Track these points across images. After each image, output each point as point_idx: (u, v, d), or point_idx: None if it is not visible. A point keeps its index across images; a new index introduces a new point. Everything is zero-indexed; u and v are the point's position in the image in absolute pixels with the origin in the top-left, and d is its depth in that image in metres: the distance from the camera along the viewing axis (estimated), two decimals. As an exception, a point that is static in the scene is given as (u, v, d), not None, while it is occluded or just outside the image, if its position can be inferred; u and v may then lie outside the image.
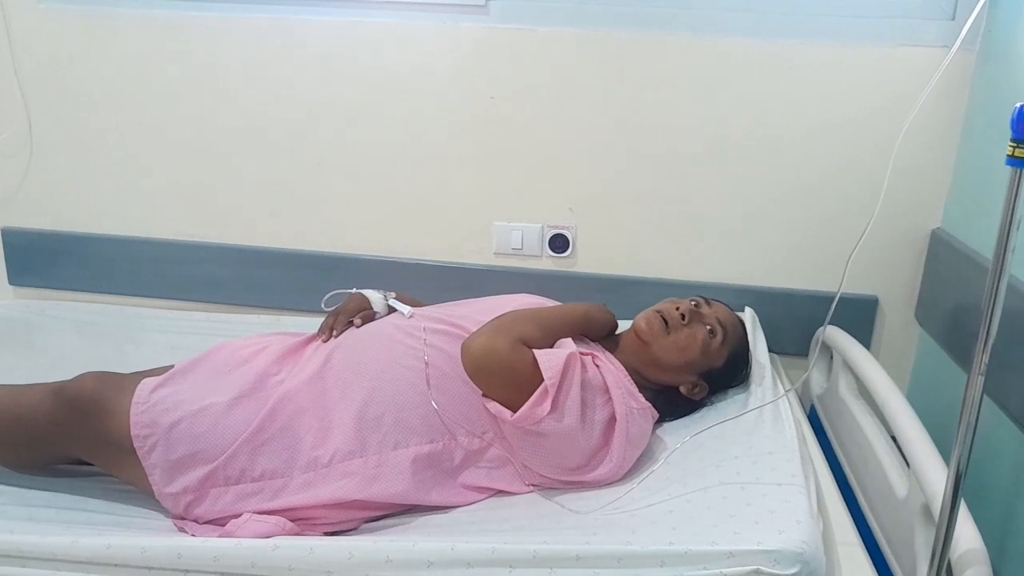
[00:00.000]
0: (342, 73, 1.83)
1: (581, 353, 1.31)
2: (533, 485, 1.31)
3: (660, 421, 1.42)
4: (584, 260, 1.88)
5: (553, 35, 1.74)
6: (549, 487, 1.30)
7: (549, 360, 1.25)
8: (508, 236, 1.88)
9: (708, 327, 1.41)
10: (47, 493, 1.30)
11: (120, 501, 1.31)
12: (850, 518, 1.20)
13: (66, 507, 1.27)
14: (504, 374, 1.25)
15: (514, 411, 1.23)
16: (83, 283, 2.05)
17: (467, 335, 1.35)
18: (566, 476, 1.28)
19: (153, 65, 1.88)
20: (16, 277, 2.08)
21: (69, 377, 1.30)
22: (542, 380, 1.23)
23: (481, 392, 1.29)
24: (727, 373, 1.46)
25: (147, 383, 1.30)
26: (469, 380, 1.29)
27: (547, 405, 1.22)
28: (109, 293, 2.05)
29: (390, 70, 1.81)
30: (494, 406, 1.26)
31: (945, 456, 1.08)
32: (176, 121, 1.91)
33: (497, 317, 1.32)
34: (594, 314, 1.44)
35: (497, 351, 1.25)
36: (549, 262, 1.90)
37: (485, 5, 1.75)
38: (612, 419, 1.28)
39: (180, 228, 1.99)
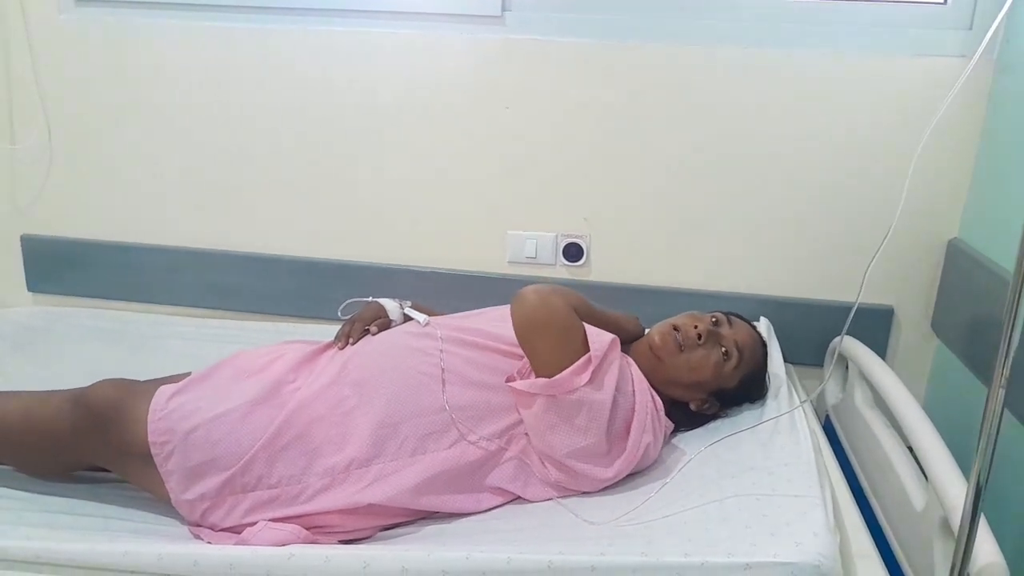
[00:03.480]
0: (359, 83, 1.84)
1: None
2: (548, 485, 1.30)
3: (674, 431, 1.42)
4: (598, 269, 1.88)
5: (568, 46, 1.75)
6: (562, 485, 1.29)
7: (598, 336, 1.29)
8: (522, 245, 1.88)
9: (723, 349, 1.39)
10: (65, 499, 1.31)
11: (137, 508, 1.32)
12: (867, 531, 1.19)
13: (83, 513, 1.28)
14: (557, 331, 1.27)
15: (548, 377, 1.24)
16: (101, 290, 2.07)
17: (483, 343, 1.35)
18: (582, 462, 1.26)
19: (171, 75, 1.90)
20: (35, 284, 2.10)
21: (87, 384, 1.31)
22: (586, 351, 1.26)
23: (504, 379, 1.30)
24: (739, 394, 1.46)
25: (164, 390, 1.30)
26: (485, 386, 1.30)
27: (587, 375, 1.24)
28: (127, 300, 2.06)
29: (406, 80, 1.82)
30: (523, 383, 1.27)
31: (963, 469, 1.07)
32: (193, 130, 1.93)
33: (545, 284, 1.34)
34: (623, 324, 1.48)
35: (557, 307, 1.28)
36: (563, 271, 1.90)
37: (501, 16, 1.76)
38: (633, 411, 1.29)
39: (197, 236, 2.01)
